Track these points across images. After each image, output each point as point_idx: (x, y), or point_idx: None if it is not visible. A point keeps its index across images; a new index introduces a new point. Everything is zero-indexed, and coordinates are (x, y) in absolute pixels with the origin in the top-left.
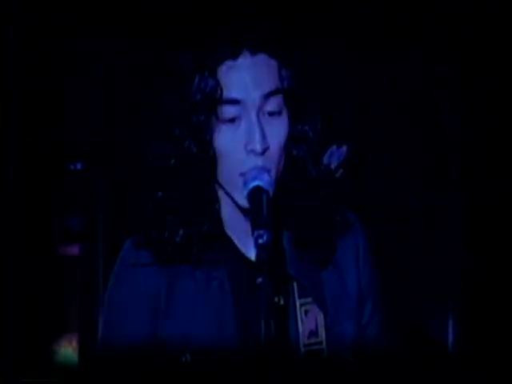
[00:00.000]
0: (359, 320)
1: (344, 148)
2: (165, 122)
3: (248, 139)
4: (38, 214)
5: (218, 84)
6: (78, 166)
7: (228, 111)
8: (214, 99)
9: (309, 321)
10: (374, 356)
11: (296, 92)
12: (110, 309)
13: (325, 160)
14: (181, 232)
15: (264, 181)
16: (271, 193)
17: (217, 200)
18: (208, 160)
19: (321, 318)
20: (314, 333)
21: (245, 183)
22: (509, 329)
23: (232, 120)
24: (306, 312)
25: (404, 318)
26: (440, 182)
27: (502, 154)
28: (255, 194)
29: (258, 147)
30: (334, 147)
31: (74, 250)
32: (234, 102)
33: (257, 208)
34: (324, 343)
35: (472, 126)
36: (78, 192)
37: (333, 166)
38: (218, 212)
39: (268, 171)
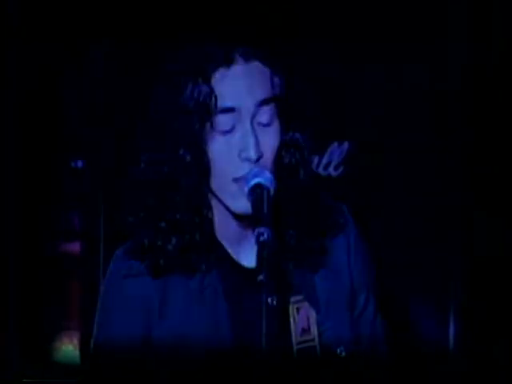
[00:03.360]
0: (352, 314)
1: (345, 145)
2: (158, 130)
3: (242, 147)
4: (39, 211)
5: (212, 92)
6: (79, 164)
7: (222, 119)
8: (208, 107)
9: (301, 318)
10: (368, 352)
11: (287, 100)
12: (103, 319)
13: (326, 157)
14: (173, 240)
15: (265, 178)
16: (272, 191)
17: (209, 207)
18: (202, 168)
19: (313, 315)
20: (306, 330)
21: (246, 181)
22: (509, 328)
23: (226, 127)
24: (298, 310)
25: (400, 314)
26: (440, 181)
27: (506, 154)
28: (256, 191)
29: (253, 154)
30: (335, 144)
31: (74, 247)
32: (229, 110)
33: (258, 205)
34: (316, 340)
35: (474, 125)
36: (78, 190)
37: (334, 164)
38: (210, 220)
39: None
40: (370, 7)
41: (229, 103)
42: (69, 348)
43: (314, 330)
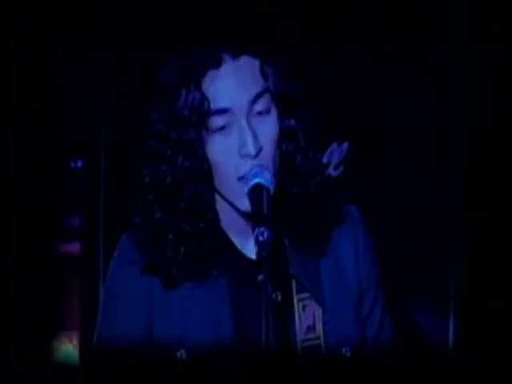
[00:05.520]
0: (359, 314)
1: (345, 145)
2: (158, 142)
3: (241, 144)
4: (39, 211)
5: (204, 96)
6: (78, 164)
7: (217, 121)
8: (202, 112)
9: (307, 316)
10: (373, 351)
11: (281, 89)
12: (106, 305)
13: (326, 158)
14: (182, 250)
15: (264, 178)
16: (272, 190)
17: (215, 212)
18: (203, 174)
19: (319, 312)
20: (311, 328)
21: (246, 181)
22: (509, 327)
23: (222, 128)
24: (304, 307)
25: (405, 314)
26: (440, 181)
27: (504, 153)
28: (256, 191)
29: (252, 150)
30: (335, 144)
31: (74, 247)
32: (223, 111)
33: (257, 205)
34: (322, 338)
35: (474, 123)
36: (78, 189)
37: (334, 164)
38: (216, 223)
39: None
40: (370, 7)
41: (222, 104)
42: (68, 348)
43: (320, 328)
